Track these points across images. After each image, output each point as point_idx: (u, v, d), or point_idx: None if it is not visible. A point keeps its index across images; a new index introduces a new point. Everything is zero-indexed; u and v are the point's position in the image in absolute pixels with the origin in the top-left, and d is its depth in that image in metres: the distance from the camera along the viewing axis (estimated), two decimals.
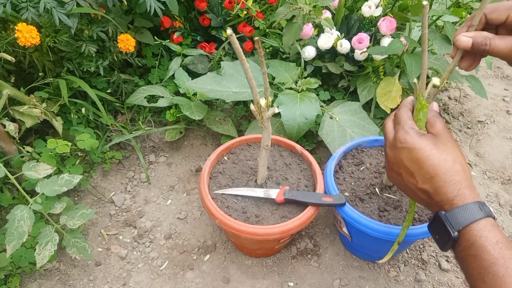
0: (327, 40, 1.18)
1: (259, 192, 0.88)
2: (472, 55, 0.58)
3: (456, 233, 0.51)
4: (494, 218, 0.52)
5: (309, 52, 1.20)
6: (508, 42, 0.53)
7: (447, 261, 1.02)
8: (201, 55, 1.29)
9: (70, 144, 1.02)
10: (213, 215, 0.84)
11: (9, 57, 0.89)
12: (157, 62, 1.31)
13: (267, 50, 1.31)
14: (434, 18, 1.08)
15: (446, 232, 0.52)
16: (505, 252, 0.47)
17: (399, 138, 0.59)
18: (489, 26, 0.57)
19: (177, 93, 1.25)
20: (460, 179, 0.54)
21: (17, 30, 0.86)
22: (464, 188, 0.53)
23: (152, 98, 1.23)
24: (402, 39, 1.10)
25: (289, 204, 0.88)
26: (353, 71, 1.23)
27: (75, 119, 1.12)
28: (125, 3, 1.05)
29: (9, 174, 0.85)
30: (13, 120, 1.01)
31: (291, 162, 0.98)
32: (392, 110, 1.18)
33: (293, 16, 1.14)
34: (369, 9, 1.20)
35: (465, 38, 0.55)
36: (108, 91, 1.19)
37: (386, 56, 1.17)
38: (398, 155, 0.59)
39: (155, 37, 1.26)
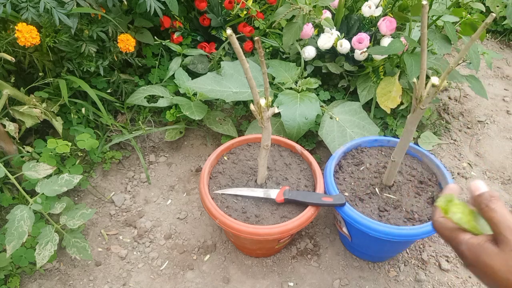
0: (327, 40, 1.18)
1: (259, 192, 0.88)
2: None
3: None
4: None
5: (309, 52, 1.20)
6: None
7: (447, 261, 1.02)
8: (201, 55, 1.29)
9: (70, 144, 1.02)
10: (213, 215, 0.84)
11: (9, 57, 0.89)
12: (157, 62, 1.31)
13: (267, 50, 1.31)
14: (434, 18, 1.08)
15: None
16: None
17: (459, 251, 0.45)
18: None
19: (177, 93, 1.25)
20: None
21: (17, 30, 0.86)
22: None
23: (152, 98, 1.23)
24: (402, 39, 1.10)
25: (289, 204, 0.88)
26: (353, 71, 1.23)
27: (75, 119, 1.12)
28: (125, 3, 1.05)
29: (9, 174, 0.85)
30: (13, 120, 1.01)
31: (291, 162, 0.98)
32: (392, 110, 1.18)
33: (293, 16, 1.14)
34: (369, 9, 1.20)
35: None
36: (108, 91, 1.19)
37: (386, 56, 1.17)
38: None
39: (155, 37, 1.26)
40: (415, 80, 0.62)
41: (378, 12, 1.21)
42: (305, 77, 1.19)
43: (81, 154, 1.14)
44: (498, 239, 0.42)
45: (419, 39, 1.13)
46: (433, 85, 0.61)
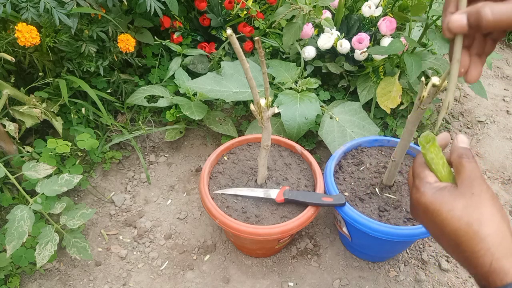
0: (327, 40, 1.18)
1: (259, 192, 0.88)
2: (475, 57, 0.45)
3: None
4: None
5: (309, 52, 1.20)
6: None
7: (447, 261, 1.02)
8: (201, 55, 1.29)
9: (70, 144, 1.02)
10: (213, 215, 0.84)
11: (9, 57, 0.88)
12: (157, 62, 1.31)
13: (267, 50, 1.31)
14: (434, 18, 1.08)
15: None
16: None
17: (412, 197, 0.48)
18: None
19: (177, 93, 1.25)
20: (490, 247, 0.40)
21: (17, 30, 0.86)
22: (501, 260, 0.40)
23: (152, 98, 1.23)
24: (402, 39, 1.10)
25: (289, 204, 0.88)
26: (353, 71, 1.23)
27: (75, 119, 1.12)
28: (125, 3, 1.05)
29: (9, 174, 0.85)
30: (13, 120, 1.01)
31: (291, 162, 0.98)
32: (392, 110, 1.18)
33: (293, 16, 1.14)
34: (369, 9, 1.20)
35: (458, 17, 0.40)
36: (108, 91, 1.19)
37: (386, 56, 1.17)
38: (418, 216, 0.48)
39: (155, 37, 1.26)
40: (423, 79, 0.63)
41: (378, 12, 1.21)
42: (305, 77, 1.19)
43: (81, 154, 1.14)
44: (461, 185, 0.44)
45: (419, 39, 1.13)
46: (434, 85, 0.61)
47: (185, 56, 1.28)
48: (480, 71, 0.45)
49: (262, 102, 0.71)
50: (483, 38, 0.45)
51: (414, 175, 0.49)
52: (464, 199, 0.43)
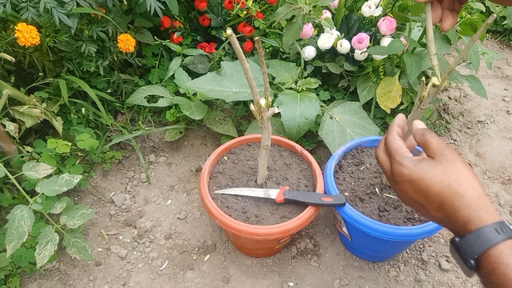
0: (327, 40, 1.18)
1: (259, 192, 0.88)
2: (446, 10, 0.56)
3: (472, 262, 0.46)
4: None
5: (309, 52, 1.20)
6: None
7: (447, 261, 1.02)
8: (201, 55, 1.29)
9: (70, 144, 1.02)
10: (213, 215, 0.84)
11: (9, 57, 0.88)
12: (157, 62, 1.31)
13: (267, 50, 1.31)
14: None
15: (464, 261, 0.48)
16: None
17: (395, 172, 0.54)
18: None
19: (177, 93, 1.25)
20: (469, 201, 0.48)
21: (17, 30, 0.86)
22: (477, 210, 0.47)
23: (152, 98, 1.23)
24: (402, 39, 1.10)
25: (289, 204, 0.88)
26: (353, 71, 1.23)
27: (75, 119, 1.12)
28: (125, 3, 1.05)
29: (9, 174, 0.85)
30: (13, 120, 1.01)
31: (291, 162, 0.98)
32: (392, 110, 1.18)
33: (293, 16, 1.14)
34: (369, 9, 1.20)
35: None
36: (108, 91, 1.19)
37: (386, 56, 1.17)
38: (401, 189, 0.54)
39: (155, 37, 1.26)
40: (423, 79, 0.63)
41: (378, 12, 1.21)
42: (305, 77, 1.19)
43: (81, 154, 1.14)
44: (434, 156, 0.52)
45: (419, 39, 1.13)
46: (434, 85, 0.61)
47: (185, 56, 1.28)
48: (452, 22, 0.56)
49: (262, 102, 0.71)
50: None
51: (391, 153, 0.55)
52: (441, 166, 0.50)
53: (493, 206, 0.48)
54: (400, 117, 0.59)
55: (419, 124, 0.57)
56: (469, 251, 0.47)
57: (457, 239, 0.49)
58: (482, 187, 0.50)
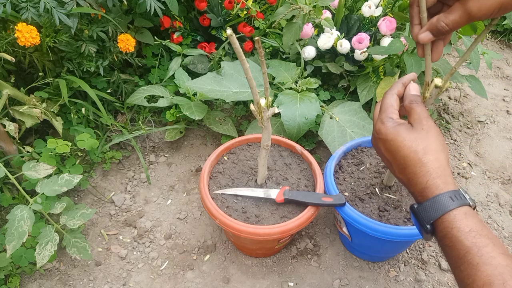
0: (327, 40, 1.18)
1: (259, 192, 0.88)
2: (438, 41, 0.59)
3: (429, 226, 0.51)
4: (470, 205, 0.50)
5: (309, 52, 1.20)
6: (458, 12, 0.52)
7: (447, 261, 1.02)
8: (201, 55, 1.29)
9: (70, 144, 1.02)
10: (213, 215, 0.84)
11: (9, 57, 0.88)
12: (157, 62, 1.31)
13: (267, 50, 1.31)
14: None
15: (421, 225, 0.52)
16: (478, 240, 0.47)
17: (376, 128, 0.59)
18: (438, 4, 0.57)
19: (177, 93, 1.25)
20: (429, 170, 0.52)
21: (17, 30, 0.86)
22: (435, 179, 0.51)
23: (152, 98, 1.23)
24: (402, 39, 1.10)
25: (289, 204, 0.88)
26: (353, 71, 1.24)
27: (75, 119, 1.12)
28: (125, 3, 1.05)
29: (9, 174, 0.85)
30: (13, 120, 1.01)
31: (291, 162, 0.98)
32: None
33: (293, 16, 1.14)
34: (369, 9, 1.20)
35: (425, 35, 0.56)
36: (108, 91, 1.19)
37: (386, 56, 1.17)
38: (377, 145, 0.59)
39: (155, 37, 1.26)
40: (428, 80, 0.63)
41: (378, 12, 1.21)
42: (305, 77, 1.19)
43: (81, 154, 1.14)
44: (413, 123, 0.56)
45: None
46: (436, 86, 0.61)
47: (185, 56, 1.28)
48: (441, 53, 0.60)
49: (262, 102, 0.71)
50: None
51: (381, 109, 0.59)
52: (415, 133, 0.55)
53: (452, 177, 0.53)
54: (408, 76, 0.62)
55: (412, 89, 0.60)
56: (425, 216, 0.51)
57: (415, 205, 0.53)
58: (446, 159, 0.54)
